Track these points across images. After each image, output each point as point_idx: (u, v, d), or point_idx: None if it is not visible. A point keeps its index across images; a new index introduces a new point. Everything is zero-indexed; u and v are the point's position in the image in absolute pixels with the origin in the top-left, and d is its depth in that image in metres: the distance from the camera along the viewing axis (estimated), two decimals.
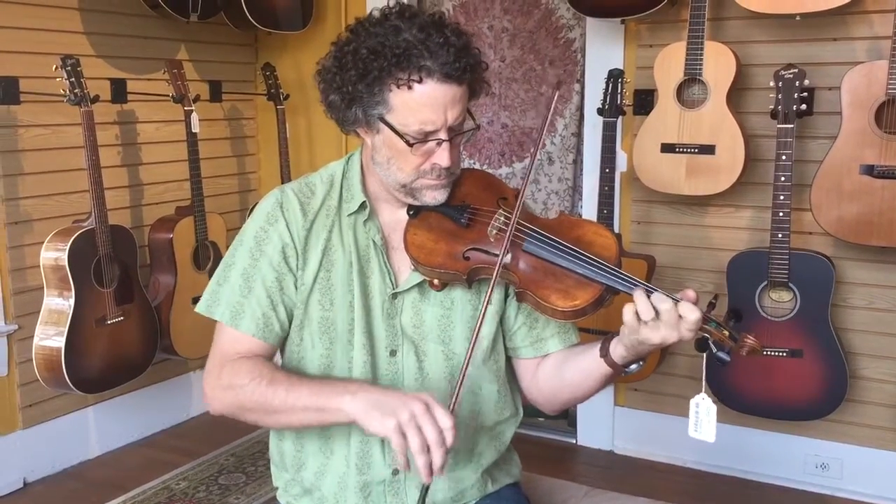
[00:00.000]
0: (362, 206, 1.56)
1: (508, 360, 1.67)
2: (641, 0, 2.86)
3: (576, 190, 3.64)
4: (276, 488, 1.71)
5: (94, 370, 2.97)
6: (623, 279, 1.41)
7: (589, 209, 3.27)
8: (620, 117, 3.00)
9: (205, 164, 3.37)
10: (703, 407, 1.45)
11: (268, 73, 3.71)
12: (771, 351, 2.78)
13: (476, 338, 1.45)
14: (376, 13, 1.47)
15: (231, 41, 3.80)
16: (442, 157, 1.47)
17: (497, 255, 1.47)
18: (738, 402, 2.89)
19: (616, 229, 3.16)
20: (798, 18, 2.69)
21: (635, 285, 1.39)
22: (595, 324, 2.69)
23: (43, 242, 2.91)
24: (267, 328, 1.55)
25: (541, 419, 3.51)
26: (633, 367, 1.48)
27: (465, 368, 1.43)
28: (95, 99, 2.93)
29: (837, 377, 2.77)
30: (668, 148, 2.89)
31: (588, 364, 1.51)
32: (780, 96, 2.66)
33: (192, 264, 3.34)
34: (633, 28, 3.18)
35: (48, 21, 3.07)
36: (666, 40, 3.00)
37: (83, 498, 3.04)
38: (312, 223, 1.56)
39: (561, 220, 1.55)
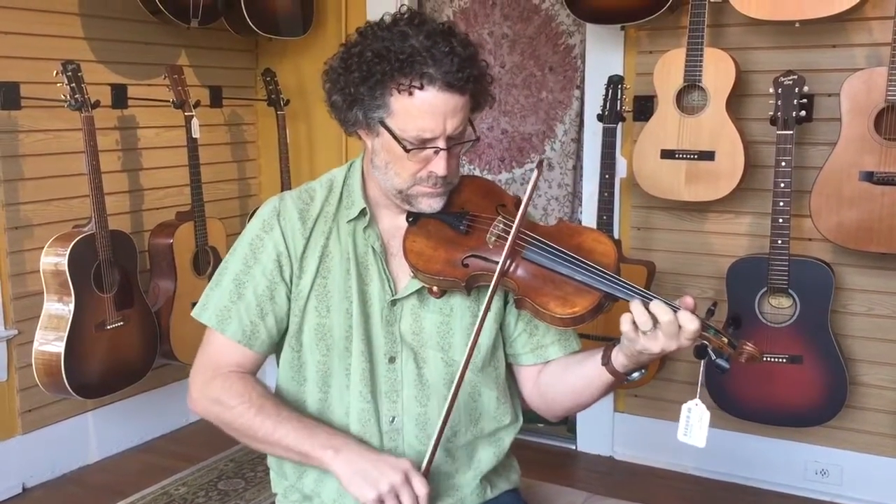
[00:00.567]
0: (362, 212, 1.56)
1: (508, 366, 1.67)
2: (641, 6, 2.87)
3: (575, 196, 3.64)
4: (276, 494, 1.70)
5: (94, 375, 2.96)
6: (622, 286, 1.41)
7: (589, 215, 3.27)
8: (620, 123, 3.00)
9: (205, 170, 3.37)
10: (696, 413, 1.45)
11: (268, 79, 3.72)
12: (771, 357, 2.78)
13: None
14: (388, 18, 1.48)
15: (231, 47, 3.81)
16: (439, 165, 1.47)
17: (495, 262, 1.47)
18: (737, 408, 2.88)
19: (616, 235, 3.16)
20: (797, 25, 2.70)
21: (634, 293, 1.39)
22: (596, 330, 2.69)
23: (43, 247, 2.90)
24: (253, 336, 1.55)
25: (540, 425, 3.51)
26: (636, 374, 1.48)
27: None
28: (96, 104, 2.93)
29: (837, 383, 2.77)
30: (667, 154, 2.89)
31: (590, 372, 1.51)
32: (779, 103, 2.67)
33: (192, 269, 3.34)
34: (633, 34, 3.18)
35: (49, 26, 3.08)
36: (666, 47, 3.00)
37: (82, 503, 3.04)
38: (311, 230, 1.57)
39: (560, 227, 1.55)
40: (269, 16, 3.54)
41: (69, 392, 2.89)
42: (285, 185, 3.67)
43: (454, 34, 1.46)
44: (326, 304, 1.55)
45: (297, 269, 1.56)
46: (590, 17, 3.02)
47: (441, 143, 1.45)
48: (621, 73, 3.10)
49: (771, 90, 2.70)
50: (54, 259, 2.87)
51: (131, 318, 3.08)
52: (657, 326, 1.35)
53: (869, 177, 2.62)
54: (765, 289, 2.78)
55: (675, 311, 1.34)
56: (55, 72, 2.86)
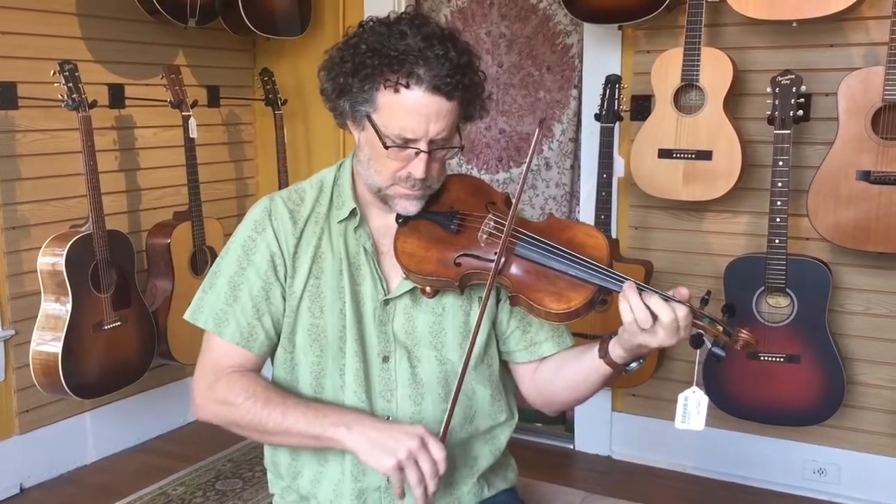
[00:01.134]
0: (353, 212, 1.56)
1: (503, 364, 1.67)
2: (639, 6, 2.87)
3: (573, 195, 3.64)
4: (273, 495, 1.70)
5: (91, 375, 2.96)
6: (615, 279, 1.41)
7: (586, 214, 3.27)
8: (618, 123, 3.01)
9: (202, 170, 3.37)
10: (693, 400, 1.46)
11: (266, 79, 3.72)
12: (768, 356, 2.78)
13: (472, 346, 1.46)
14: (392, 15, 1.49)
15: (229, 46, 3.80)
16: (417, 167, 1.46)
17: (488, 260, 1.47)
18: (735, 407, 2.89)
19: (614, 235, 3.16)
20: (795, 25, 2.70)
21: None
22: (593, 328, 2.69)
23: (40, 247, 2.90)
24: (251, 337, 1.55)
25: (538, 425, 3.51)
26: (633, 365, 1.48)
27: (459, 386, 1.44)
28: (93, 104, 2.93)
29: (835, 383, 2.77)
30: (665, 153, 2.89)
31: (587, 365, 1.51)
32: (776, 102, 2.67)
33: (189, 269, 3.34)
34: (631, 34, 3.18)
35: (46, 26, 3.07)
36: (663, 46, 3.01)
37: (80, 503, 3.04)
38: (302, 231, 1.57)
39: (550, 222, 1.55)
40: (266, 15, 3.54)
41: (66, 392, 2.89)
42: (283, 184, 3.67)
43: (454, 40, 1.46)
44: (320, 304, 1.55)
45: (290, 269, 1.56)
46: (587, 16, 3.02)
47: (422, 146, 1.45)
48: (619, 73, 3.11)
49: (768, 90, 2.70)
50: (51, 259, 2.87)
51: (129, 319, 3.08)
52: (657, 321, 1.35)
53: (866, 176, 2.62)
54: (762, 288, 2.78)
55: (666, 300, 1.35)
56: (52, 71, 2.86)
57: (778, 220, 2.69)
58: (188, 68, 3.59)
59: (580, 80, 3.47)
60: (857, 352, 2.95)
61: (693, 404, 1.46)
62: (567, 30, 3.57)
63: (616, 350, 1.45)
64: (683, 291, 1.37)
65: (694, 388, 1.46)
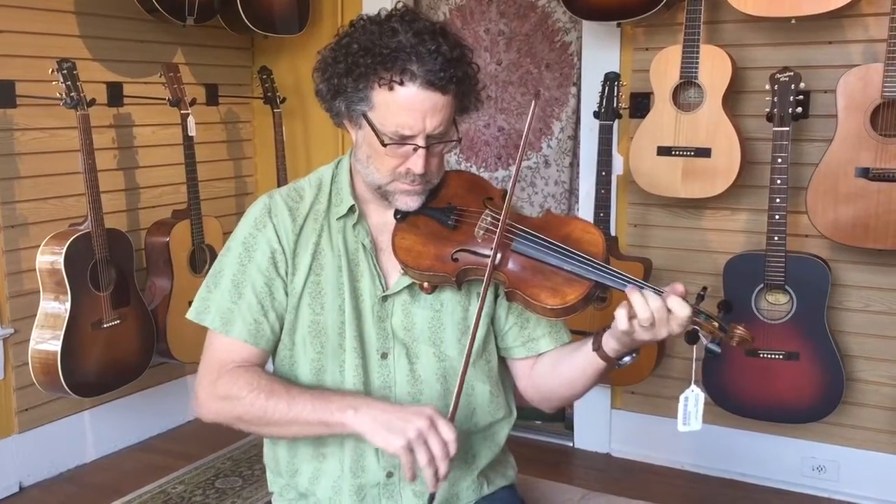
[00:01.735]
0: (351, 209, 1.57)
1: (501, 360, 1.67)
2: (637, 3, 2.87)
3: (572, 193, 3.64)
4: (272, 493, 1.70)
5: (91, 374, 2.96)
6: (611, 275, 1.42)
7: (586, 212, 3.27)
8: (617, 120, 3.00)
9: (201, 168, 3.37)
10: (692, 398, 1.46)
11: (264, 77, 3.72)
12: (767, 353, 2.78)
13: (472, 344, 1.45)
14: (383, 12, 1.49)
15: (227, 45, 3.80)
16: (416, 163, 1.47)
17: (485, 256, 1.48)
18: (734, 404, 2.89)
19: (613, 232, 3.16)
20: (793, 22, 2.69)
21: (626, 282, 1.40)
22: (592, 325, 2.69)
23: (39, 246, 2.90)
24: (259, 334, 1.55)
25: (538, 422, 3.51)
26: (627, 359, 1.48)
27: (464, 375, 1.44)
28: (92, 102, 2.92)
29: (834, 380, 2.78)
30: (664, 151, 2.89)
31: (582, 360, 1.51)
32: (775, 99, 2.67)
33: (188, 268, 3.34)
34: (630, 31, 3.18)
35: (44, 24, 3.07)
36: (662, 43, 3.01)
37: (79, 502, 3.04)
38: (302, 228, 1.57)
39: (548, 218, 1.55)
40: (265, 13, 3.54)
41: (66, 391, 2.89)
42: (282, 182, 3.66)
43: (445, 34, 1.46)
44: (320, 301, 1.55)
45: (291, 266, 1.56)
46: (586, 14, 3.02)
47: (420, 141, 1.45)
48: (618, 70, 3.10)
49: (767, 87, 2.70)
50: (50, 258, 2.87)
51: (128, 317, 3.08)
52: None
53: (865, 173, 2.62)
54: (761, 285, 2.78)
55: (661, 295, 1.35)
56: (51, 70, 2.86)
57: (777, 217, 2.69)
58: (187, 66, 3.59)
59: (579, 78, 3.47)
60: (856, 349, 2.95)
61: (692, 404, 1.46)
62: (566, 27, 3.57)
63: (610, 343, 1.45)
64: (679, 287, 1.37)
65: (693, 386, 1.46)
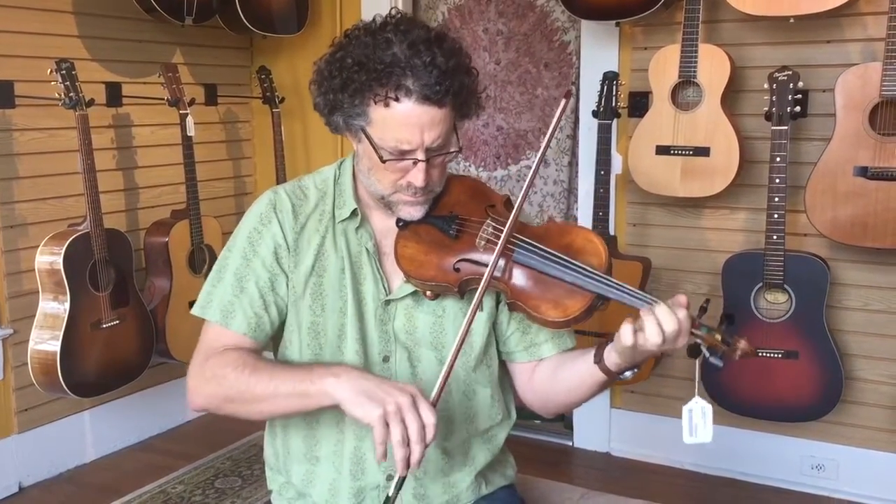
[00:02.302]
0: (353, 213, 1.56)
1: (502, 364, 1.67)
2: (636, 3, 2.87)
3: (571, 192, 3.64)
4: (271, 491, 1.70)
5: (90, 374, 2.96)
6: (613, 287, 1.40)
7: (584, 211, 3.27)
8: (615, 119, 3.01)
9: (200, 168, 3.37)
10: (697, 410, 1.44)
11: (263, 77, 3.72)
12: (766, 352, 2.79)
13: (461, 343, 1.42)
14: (378, 19, 1.47)
15: (226, 44, 3.80)
16: (417, 176, 1.45)
17: (486, 266, 1.45)
18: (733, 403, 2.89)
19: (612, 231, 3.16)
20: (792, 21, 2.70)
21: (625, 293, 1.39)
22: (591, 326, 2.68)
23: (38, 246, 2.90)
24: (259, 328, 1.55)
25: (537, 421, 3.51)
26: (628, 373, 1.46)
27: (453, 362, 1.40)
28: (90, 102, 2.92)
29: (833, 378, 2.78)
30: (663, 150, 2.89)
31: (582, 370, 1.50)
32: (774, 98, 2.67)
33: (187, 268, 3.34)
34: (628, 31, 3.18)
35: (43, 25, 3.07)
36: (660, 43, 3.01)
37: (79, 502, 3.04)
38: (303, 227, 1.56)
39: (550, 227, 1.54)
40: (263, 13, 3.53)
41: (65, 391, 2.89)
42: (280, 182, 3.65)
43: (441, 43, 1.43)
44: (321, 303, 1.55)
45: (293, 262, 1.55)
46: (585, 13, 3.02)
47: (419, 155, 1.44)
48: (616, 70, 3.11)
49: (766, 86, 2.70)
50: (49, 258, 2.87)
51: (127, 317, 3.07)
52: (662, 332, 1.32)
53: (863, 172, 2.62)
54: (760, 284, 2.78)
55: (654, 305, 1.33)
56: (49, 70, 2.86)
57: (776, 216, 2.69)
58: (185, 66, 3.59)
59: (578, 77, 3.47)
60: (854, 348, 2.95)
61: (698, 415, 1.44)
62: (565, 27, 3.57)
63: (611, 356, 1.43)
64: (682, 299, 1.35)
65: (696, 398, 1.44)
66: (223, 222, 3.55)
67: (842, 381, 2.78)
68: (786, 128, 2.66)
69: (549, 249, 1.46)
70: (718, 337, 1.35)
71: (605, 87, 2.98)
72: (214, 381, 1.48)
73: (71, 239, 2.86)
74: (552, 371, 1.59)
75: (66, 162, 3.11)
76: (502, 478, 1.71)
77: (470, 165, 3.82)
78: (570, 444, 3.49)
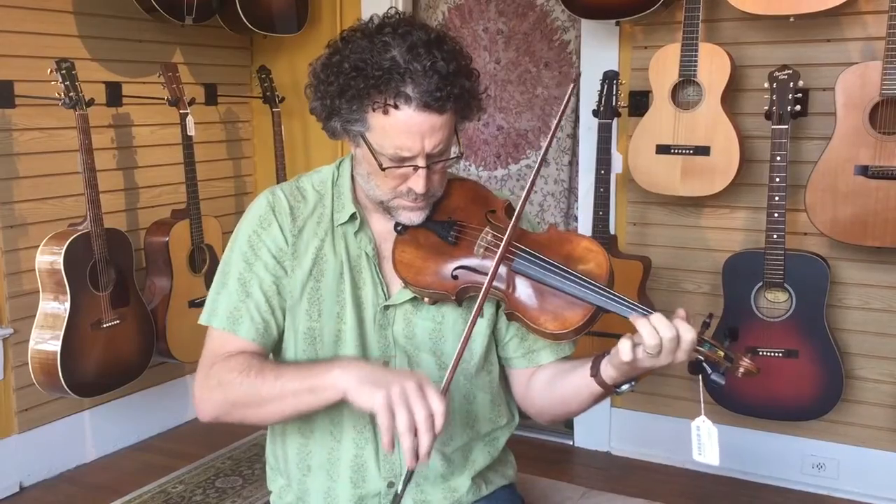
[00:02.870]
0: (352, 216, 1.54)
1: (502, 368, 1.65)
2: (636, 2, 2.87)
3: (571, 191, 3.64)
4: (270, 492, 1.69)
5: (90, 374, 2.96)
6: (614, 300, 1.37)
7: (585, 211, 3.27)
8: (616, 119, 3.01)
9: (200, 168, 3.36)
10: (704, 430, 1.41)
11: (263, 76, 3.72)
12: (767, 351, 2.79)
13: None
14: (376, 20, 1.43)
15: (226, 44, 3.80)
16: (417, 183, 1.43)
17: (484, 274, 1.43)
18: (734, 402, 2.89)
19: (612, 231, 3.16)
20: (792, 20, 2.70)
21: (626, 306, 1.36)
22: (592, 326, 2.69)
23: (38, 246, 2.90)
24: (266, 333, 1.53)
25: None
26: (625, 387, 1.42)
27: (460, 354, 1.37)
28: (90, 102, 2.92)
29: (833, 377, 2.78)
30: (663, 149, 2.89)
31: (579, 382, 1.46)
32: (774, 97, 2.67)
33: (188, 267, 3.34)
34: (628, 30, 3.18)
35: (43, 24, 3.07)
36: (660, 42, 3.01)
37: (79, 502, 3.04)
38: (301, 229, 1.54)
39: (550, 235, 1.50)
40: (263, 13, 3.53)
41: (66, 391, 2.89)
42: (281, 182, 3.64)
43: (441, 45, 1.39)
44: (318, 308, 1.53)
45: (291, 266, 1.54)
46: (585, 12, 3.02)
47: (419, 161, 1.41)
48: (616, 69, 3.11)
49: (766, 85, 2.70)
50: (50, 258, 2.87)
51: (127, 317, 3.07)
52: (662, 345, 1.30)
53: (864, 171, 2.62)
54: (761, 283, 2.78)
55: (676, 328, 1.29)
56: (49, 70, 2.86)
57: (776, 215, 2.69)
58: (185, 66, 3.59)
59: (578, 77, 3.46)
60: (855, 346, 2.95)
61: (705, 434, 1.41)
62: (564, 26, 3.57)
63: (608, 370, 1.39)
64: (682, 313, 1.33)
65: (703, 417, 1.41)
66: (223, 222, 3.55)
67: (842, 380, 2.78)
68: (786, 127, 2.66)
69: (549, 259, 1.43)
70: (721, 353, 1.32)
71: (606, 87, 2.98)
72: (220, 388, 1.46)
73: (71, 239, 2.86)
74: (548, 380, 1.56)
75: (66, 162, 3.11)
76: (502, 478, 1.69)
77: (470, 165, 3.82)
78: (571, 443, 3.49)
